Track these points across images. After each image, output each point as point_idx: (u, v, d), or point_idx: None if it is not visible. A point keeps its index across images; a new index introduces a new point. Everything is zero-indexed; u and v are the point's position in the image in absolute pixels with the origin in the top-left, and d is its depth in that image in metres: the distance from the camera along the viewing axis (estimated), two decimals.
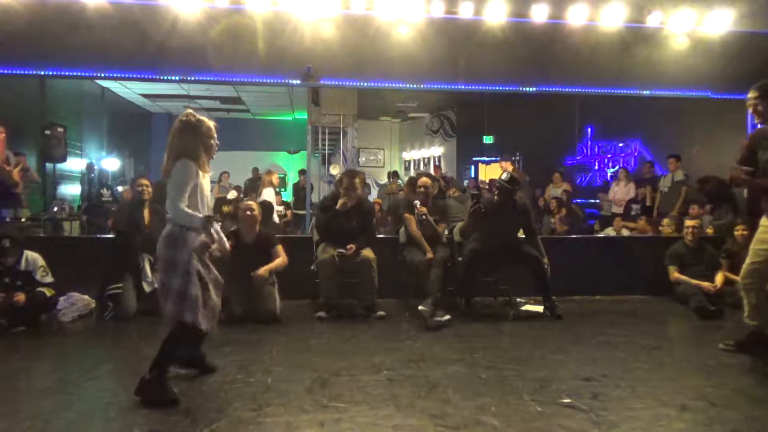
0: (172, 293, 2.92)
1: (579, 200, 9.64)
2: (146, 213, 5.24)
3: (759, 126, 3.73)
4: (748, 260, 3.79)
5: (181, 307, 2.91)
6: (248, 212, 4.95)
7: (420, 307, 4.69)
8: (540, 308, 5.28)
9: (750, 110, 3.67)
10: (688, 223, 5.88)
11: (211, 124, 3.13)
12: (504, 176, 5.32)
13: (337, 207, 5.19)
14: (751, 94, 3.65)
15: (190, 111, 3.10)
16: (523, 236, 5.35)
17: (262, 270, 4.74)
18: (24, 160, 6.55)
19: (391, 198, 9.89)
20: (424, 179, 5.61)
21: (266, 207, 6.06)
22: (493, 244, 5.14)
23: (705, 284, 5.44)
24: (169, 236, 2.97)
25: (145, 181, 5.38)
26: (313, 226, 6.21)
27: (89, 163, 10.15)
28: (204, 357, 3.42)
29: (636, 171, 9.86)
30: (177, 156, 2.99)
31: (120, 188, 10.12)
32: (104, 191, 9.63)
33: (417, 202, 5.30)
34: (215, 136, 3.15)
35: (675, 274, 5.67)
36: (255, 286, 4.70)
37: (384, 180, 13.29)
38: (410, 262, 5.18)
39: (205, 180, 3.10)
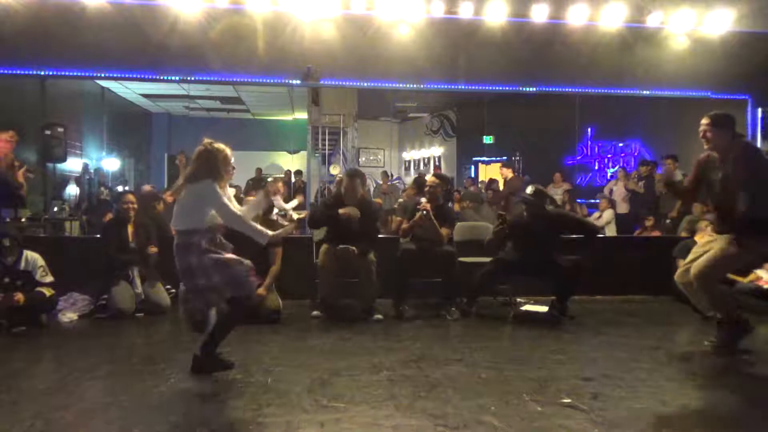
0: (221, 284, 3.28)
1: (579, 200, 9.63)
2: (130, 230, 5.25)
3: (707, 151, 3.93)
4: (706, 263, 3.79)
5: (234, 286, 3.30)
6: None
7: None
8: (543, 308, 5.24)
9: (700, 135, 3.88)
10: (701, 224, 5.62)
11: (228, 152, 3.45)
12: (529, 190, 5.16)
13: (340, 212, 5.00)
14: (703, 121, 3.87)
15: (208, 140, 3.43)
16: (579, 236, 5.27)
17: (261, 289, 4.68)
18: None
19: (387, 198, 9.91)
20: (431, 178, 5.55)
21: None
22: (526, 257, 5.01)
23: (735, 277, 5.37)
24: (181, 246, 3.33)
25: (131, 198, 5.41)
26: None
27: (84, 164, 10.13)
28: (220, 354, 3.50)
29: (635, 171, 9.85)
30: (195, 179, 3.33)
31: (120, 188, 10.11)
32: (103, 190, 9.61)
33: (423, 200, 5.22)
34: (231, 162, 3.49)
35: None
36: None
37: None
38: (401, 253, 5.15)
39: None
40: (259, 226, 3.40)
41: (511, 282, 5.51)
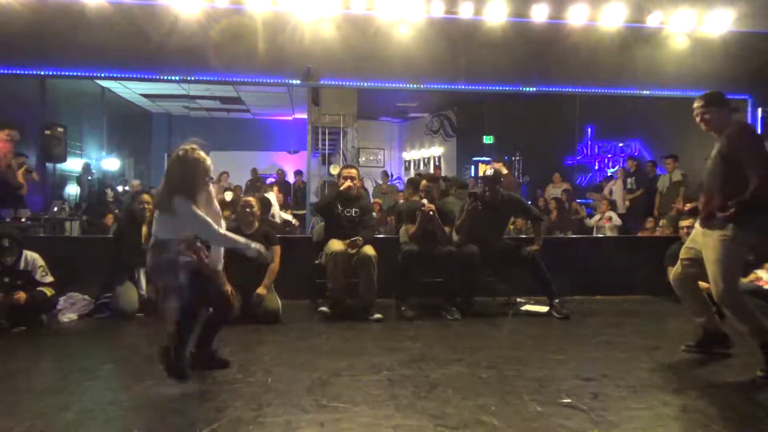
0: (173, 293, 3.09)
1: (580, 200, 9.64)
2: (144, 230, 5.16)
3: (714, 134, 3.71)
4: (718, 279, 3.60)
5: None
6: (247, 209, 4.97)
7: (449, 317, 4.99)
8: (543, 308, 5.27)
9: (697, 119, 3.66)
10: (682, 223, 5.81)
11: (209, 162, 3.19)
12: (488, 171, 5.55)
13: (341, 188, 5.32)
14: (696, 104, 3.65)
15: (194, 146, 3.15)
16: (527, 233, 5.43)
17: (261, 289, 4.74)
18: (25, 161, 6.54)
19: (386, 198, 9.92)
20: (424, 182, 5.53)
21: (264, 202, 6.06)
22: (483, 239, 5.21)
23: (703, 284, 5.41)
24: (160, 266, 3.13)
25: (147, 198, 5.32)
26: (312, 224, 6.20)
27: (86, 164, 10.14)
28: (216, 352, 3.50)
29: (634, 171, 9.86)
30: (172, 191, 3.07)
31: (120, 188, 10.11)
32: (109, 192, 9.61)
33: (425, 201, 5.26)
34: (210, 174, 3.25)
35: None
36: (254, 305, 4.69)
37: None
38: (404, 253, 5.17)
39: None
40: (233, 235, 3.26)
41: (493, 273, 5.54)
